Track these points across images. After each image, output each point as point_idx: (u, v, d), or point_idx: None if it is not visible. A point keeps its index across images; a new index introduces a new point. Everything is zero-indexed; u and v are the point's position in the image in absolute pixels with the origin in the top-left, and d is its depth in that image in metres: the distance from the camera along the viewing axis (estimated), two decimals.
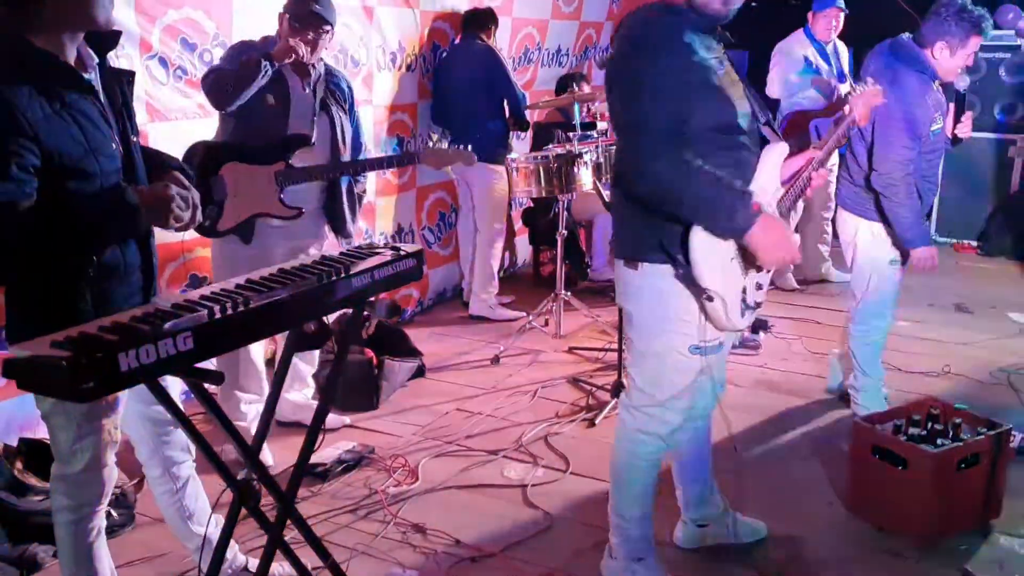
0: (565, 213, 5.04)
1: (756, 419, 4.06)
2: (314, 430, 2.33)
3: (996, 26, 2.22)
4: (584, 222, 6.11)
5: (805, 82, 5.66)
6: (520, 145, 6.17)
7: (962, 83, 3.86)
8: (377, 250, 2.41)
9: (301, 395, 3.91)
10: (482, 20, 5.25)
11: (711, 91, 2.34)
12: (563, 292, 5.03)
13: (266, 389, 3.73)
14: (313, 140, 3.45)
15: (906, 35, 3.61)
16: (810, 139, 5.23)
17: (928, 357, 4.81)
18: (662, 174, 2.27)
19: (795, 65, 5.69)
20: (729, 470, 3.43)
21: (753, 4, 7.37)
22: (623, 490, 2.72)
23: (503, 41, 5.83)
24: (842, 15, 5.64)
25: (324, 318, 2.33)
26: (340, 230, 3.66)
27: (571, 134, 4.92)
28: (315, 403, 3.91)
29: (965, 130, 3.78)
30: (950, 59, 3.49)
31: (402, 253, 2.38)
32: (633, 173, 2.36)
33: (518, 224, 6.44)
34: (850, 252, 3.87)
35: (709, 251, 2.36)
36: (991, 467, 3.11)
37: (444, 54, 5.35)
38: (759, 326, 5.09)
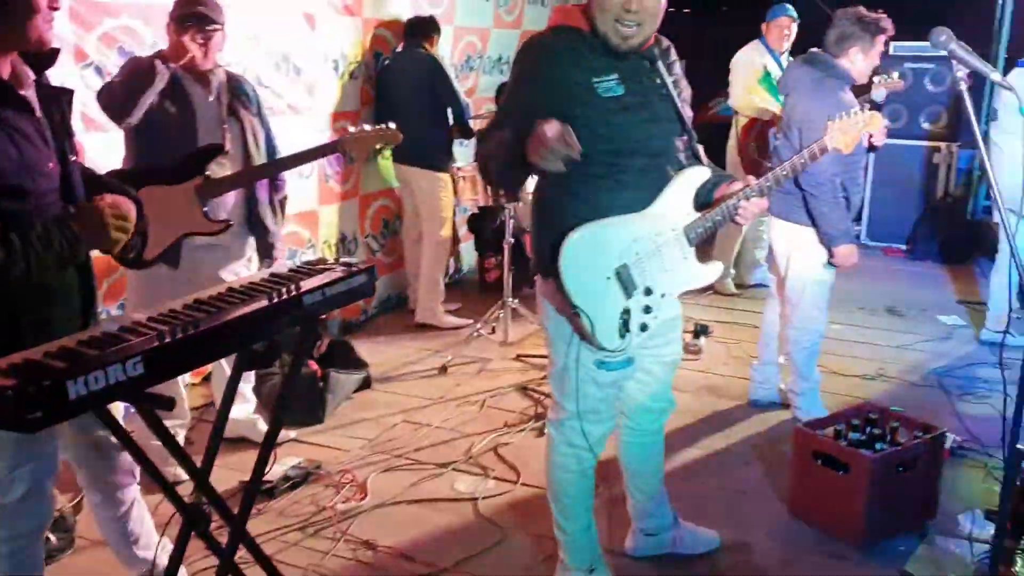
0: (511, 221, 5.05)
1: (700, 424, 4.13)
2: (267, 448, 2.31)
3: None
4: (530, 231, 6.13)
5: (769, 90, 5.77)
6: (462, 152, 6.17)
7: (878, 94, 4.00)
8: (328, 266, 2.39)
9: (242, 411, 3.84)
10: (425, 28, 5.23)
11: (592, 111, 2.36)
12: (510, 299, 5.04)
13: (187, 412, 3.69)
14: (227, 148, 3.34)
15: (815, 49, 3.82)
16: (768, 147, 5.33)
17: (863, 360, 4.95)
18: (478, 150, 2.45)
19: (755, 74, 5.79)
20: (676, 476, 3.49)
21: (686, 10, 7.49)
22: (561, 505, 2.74)
23: (445, 49, 5.82)
24: (794, 24, 5.74)
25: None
26: (265, 245, 3.56)
27: None
28: (256, 417, 3.86)
29: (880, 139, 3.90)
30: (864, 61, 3.72)
31: (354, 269, 2.36)
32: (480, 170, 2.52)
33: (463, 230, 6.43)
34: (783, 260, 3.96)
35: (580, 267, 2.35)
36: (927, 470, 3.21)
37: (387, 62, 5.32)
38: (700, 331, 5.17)
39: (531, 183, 4.63)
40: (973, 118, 2.40)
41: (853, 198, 3.80)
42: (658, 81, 2.48)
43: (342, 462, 3.70)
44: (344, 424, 4.11)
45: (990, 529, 3.17)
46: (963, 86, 2.26)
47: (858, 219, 7.93)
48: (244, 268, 3.53)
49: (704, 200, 2.53)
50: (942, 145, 7.48)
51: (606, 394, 2.59)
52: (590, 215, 2.38)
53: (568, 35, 2.43)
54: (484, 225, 6.12)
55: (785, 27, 5.74)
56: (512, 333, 5.17)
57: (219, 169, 3.29)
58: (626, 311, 2.43)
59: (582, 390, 2.54)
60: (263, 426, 3.81)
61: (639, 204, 2.44)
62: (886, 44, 6.24)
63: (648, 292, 2.45)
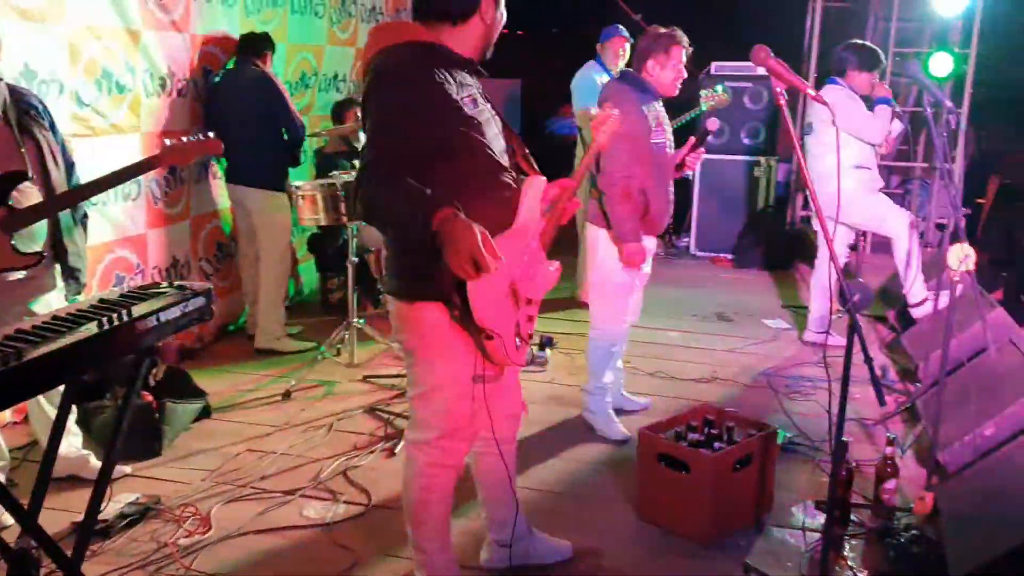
0: (355, 239, 4.98)
1: (547, 434, 4.20)
2: (100, 485, 2.18)
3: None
4: (374, 248, 6.07)
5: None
6: (299, 170, 6.07)
7: (712, 124, 4.22)
8: (161, 289, 2.29)
9: (70, 447, 3.60)
10: (258, 45, 5.10)
11: (462, 127, 2.36)
12: (355, 320, 4.97)
13: (6, 452, 3.46)
14: (30, 173, 3.09)
15: (629, 68, 4.06)
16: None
17: (697, 365, 5.17)
18: (380, 193, 2.25)
19: (594, 94, 5.92)
20: (527, 487, 3.53)
21: (519, 32, 7.65)
22: (422, 526, 2.70)
23: (279, 67, 5.71)
24: (627, 44, 5.91)
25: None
26: (69, 269, 3.32)
27: (356, 161, 4.89)
28: (87, 453, 3.64)
29: (691, 162, 4.09)
30: (663, 72, 3.92)
31: (189, 292, 2.27)
32: (362, 199, 2.30)
33: (302, 251, 6.29)
34: (594, 261, 4.11)
35: (486, 291, 2.36)
36: (762, 465, 3.39)
37: (217, 79, 5.16)
38: (545, 343, 5.27)
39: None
40: (793, 130, 2.56)
41: (655, 207, 3.94)
42: (484, 96, 2.52)
43: (183, 495, 3.53)
44: (183, 456, 3.93)
45: (821, 519, 3.38)
46: (782, 100, 2.40)
47: (688, 231, 8.32)
48: (57, 299, 3.30)
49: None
50: (761, 159, 7.95)
51: (479, 407, 2.57)
52: None
53: (430, 51, 2.39)
54: (325, 245, 6.01)
55: (619, 47, 5.94)
56: (358, 354, 5.09)
57: (21, 196, 3.04)
58: (517, 323, 2.49)
59: (456, 408, 2.54)
60: (95, 462, 3.60)
61: (506, 218, 2.47)
62: (707, 63, 6.66)
63: (528, 302, 2.53)
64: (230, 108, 5.03)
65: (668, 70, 3.93)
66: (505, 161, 2.51)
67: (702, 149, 4.09)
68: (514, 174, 2.55)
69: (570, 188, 2.67)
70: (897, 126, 5.30)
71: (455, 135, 2.34)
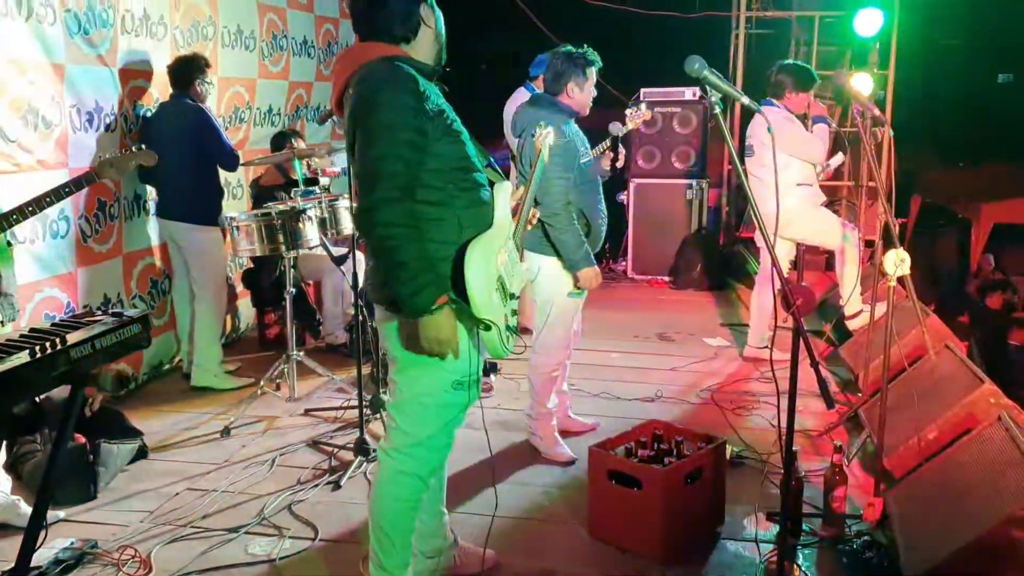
0: (292, 271, 4.89)
1: (495, 459, 4.13)
2: (33, 531, 2.07)
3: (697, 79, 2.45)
4: (312, 281, 5.99)
5: None
6: (235, 203, 5.97)
7: (616, 128, 4.30)
8: (95, 318, 2.20)
9: None
10: (186, 73, 4.97)
11: (449, 133, 2.51)
12: (295, 353, 4.86)
13: None
14: None
15: (541, 92, 4.10)
16: None
17: (641, 384, 5.19)
18: (393, 226, 2.38)
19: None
20: (475, 511, 3.48)
21: (446, 69, 7.70)
22: (386, 539, 2.71)
23: (211, 99, 5.63)
24: None
25: (37, 398, 2.09)
26: (3, 295, 3.21)
27: (294, 190, 4.82)
28: (16, 499, 3.47)
29: (609, 165, 4.18)
30: (581, 94, 3.98)
31: (125, 319, 2.19)
32: (365, 220, 2.42)
33: (239, 287, 6.16)
34: (534, 289, 4.11)
35: (481, 283, 2.49)
36: (713, 478, 3.39)
37: (148, 113, 5.05)
38: (489, 369, 5.23)
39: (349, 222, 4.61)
40: (729, 141, 2.59)
41: (595, 225, 3.98)
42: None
43: (121, 538, 3.39)
44: (120, 498, 3.78)
45: (773, 530, 3.39)
46: (717, 110, 2.43)
47: (624, 254, 8.39)
48: None
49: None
50: (693, 182, 8.08)
51: (454, 417, 2.68)
52: (454, 235, 2.52)
53: (405, 63, 2.52)
54: (261, 278, 5.89)
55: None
56: (299, 388, 4.98)
57: None
58: (505, 316, 2.62)
59: (431, 416, 2.65)
60: (26, 508, 3.42)
61: (486, 218, 2.61)
62: (635, 89, 6.76)
63: (512, 296, 2.67)
64: (161, 142, 4.91)
65: (586, 92, 3.99)
66: (480, 164, 2.65)
67: (620, 150, 4.17)
68: (486, 176, 2.69)
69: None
70: (837, 159, 5.47)
71: (440, 137, 2.48)
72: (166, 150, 4.85)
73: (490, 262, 2.55)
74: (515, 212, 2.87)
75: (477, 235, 2.54)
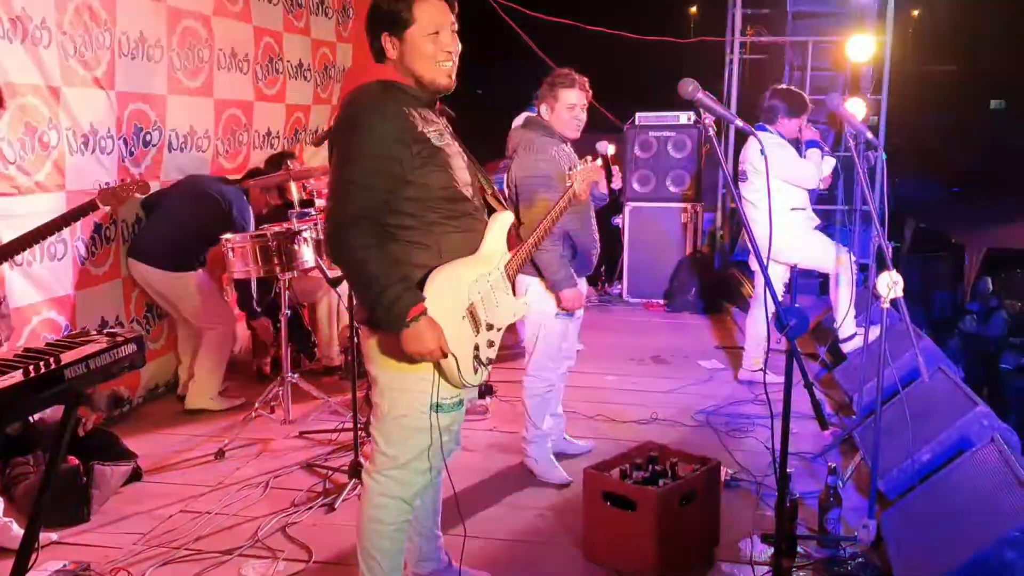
0: (287, 292, 4.89)
1: (491, 480, 4.15)
2: (24, 553, 2.06)
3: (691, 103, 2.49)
4: (307, 303, 5.98)
5: None
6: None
7: (603, 148, 4.33)
8: (90, 337, 2.21)
9: None
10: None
11: (434, 161, 2.52)
12: (290, 375, 4.86)
13: None
14: None
15: (533, 115, 4.11)
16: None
17: (636, 407, 5.18)
18: (359, 248, 2.42)
19: None
20: (470, 532, 3.47)
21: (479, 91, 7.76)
22: (376, 562, 2.70)
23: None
24: None
25: (31, 418, 2.09)
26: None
27: (290, 211, 4.84)
28: (8, 521, 3.46)
29: (614, 183, 4.22)
30: (553, 115, 4.00)
31: (119, 339, 2.19)
32: (334, 240, 2.47)
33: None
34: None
35: (441, 309, 2.49)
36: (708, 500, 3.39)
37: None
38: (485, 391, 5.23)
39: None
40: (723, 164, 2.62)
41: (585, 244, 4.01)
42: (451, 134, 2.68)
43: (114, 560, 3.37)
44: (113, 520, 3.77)
45: (768, 552, 3.38)
46: (711, 132, 2.45)
47: (620, 277, 8.41)
48: None
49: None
50: (687, 206, 8.11)
51: (437, 441, 2.64)
52: (434, 261, 2.54)
53: (389, 86, 2.55)
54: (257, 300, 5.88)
55: None
56: (294, 411, 4.97)
57: None
58: (476, 346, 2.60)
59: (410, 438, 2.62)
60: (18, 530, 3.41)
61: (471, 247, 2.63)
62: (631, 114, 6.80)
63: (489, 327, 2.65)
64: (185, 196, 5.03)
65: (561, 112, 3.97)
66: (470, 193, 2.64)
67: (615, 169, 4.20)
68: (478, 204, 2.70)
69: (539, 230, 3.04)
70: (830, 163, 5.50)
71: (422, 165, 2.49)
72: (183, 204, 4.98)
73: (458, 288, 2.56)
74: (523, 243, 2.89)
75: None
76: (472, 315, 2.59)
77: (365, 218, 2.43)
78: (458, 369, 2.54)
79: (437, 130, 2.57)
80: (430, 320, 2.45)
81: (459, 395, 2.66)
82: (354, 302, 2.72)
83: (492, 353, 2.69)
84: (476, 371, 2.61)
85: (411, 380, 2.57)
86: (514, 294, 2.81)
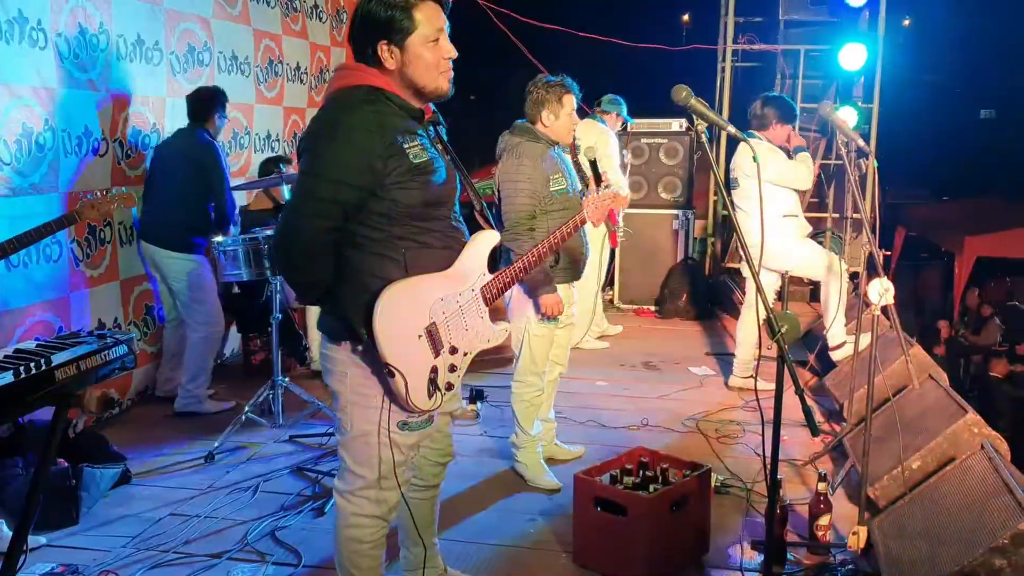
0: (279, 295, 4.88)
1: (482, 486, 4.15)
2: (13, 556, 2.05)
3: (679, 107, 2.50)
4: (299, 307, 5.97)
5: None
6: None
7: (590, 154, 4.34)
8: (81, 339, 2.20)
9: None
10: (207, 106, 5.00)
11: (405, 177, 2.36)
12: (280, 379, 4.85)
13: None
14: None
15: (520, 120, 4.09)
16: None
17: (627, 412, 5.19)
18: (309, 254, 2.33)
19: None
20: (461, 538, 3.47)
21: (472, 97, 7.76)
22: None
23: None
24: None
25: (20, 420, 2.08)
26: None
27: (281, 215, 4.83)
28: None
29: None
30: (557, 122, 3.99)
31: (110, 340, 2.19)
32: (285, 234, 2.36)
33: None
34: (509, 315, 4.12)
35: (393, 325, 2.35)
36: (698, 506, 3.39)
37: (148, 139, 5.11)
38: (476, 396, 5.23)
39: None
40: (715, 169, 2.62)
41: (573, 249, 4.00)
42: (442, 146, 2.55)
43: (103, 563, 3.36)
44: (102, 523, 3.75)
45: (758, 559, 3.39)
46: (704, 139, 2.46)
47: (611, 284, 8.42)
48: None
49: (495, 262, 2.64)
50: (679, 212, 8.13)
51: (406, 457, 2.54)
52: (397, 275, 2.38)
53: (375, 96, 2.39)
54: (247, 303, 5.88)
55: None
56: (284, 415, 4.95)
57: None
58: (434, 369, 2.43)
59: (382, 455, 2.48)
60: (7, 532, 3.38)
61: (442, 264, 2.49)
62: (623, 122, 6.84)
63: (453, 351, 2.49)
64: (163, 168, 4.97)
65: (563, 120, 3.99)
66: (449, 209, 2.52)
67: (604, 176, 4.22)
68: (457, 219, 2.58)
69: (532, 254, 2.86)
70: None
71: (395, 181, 2.34)
72: (166, 176, 4.91)
73: (417, 305, 2.41)
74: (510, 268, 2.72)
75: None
76: (431, 335, 2.43)
77: (319, 226, 2.31)
78: (406, 391, 2.37)
79: (420, 144, 2.41)
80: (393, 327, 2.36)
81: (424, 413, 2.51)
82: (305, 319, 2.61)
83: (454, 379, 2.51)
84: (431, 396, 2.43)
85: (376, 396, 2.45)
86: (491, 319, 2.63)
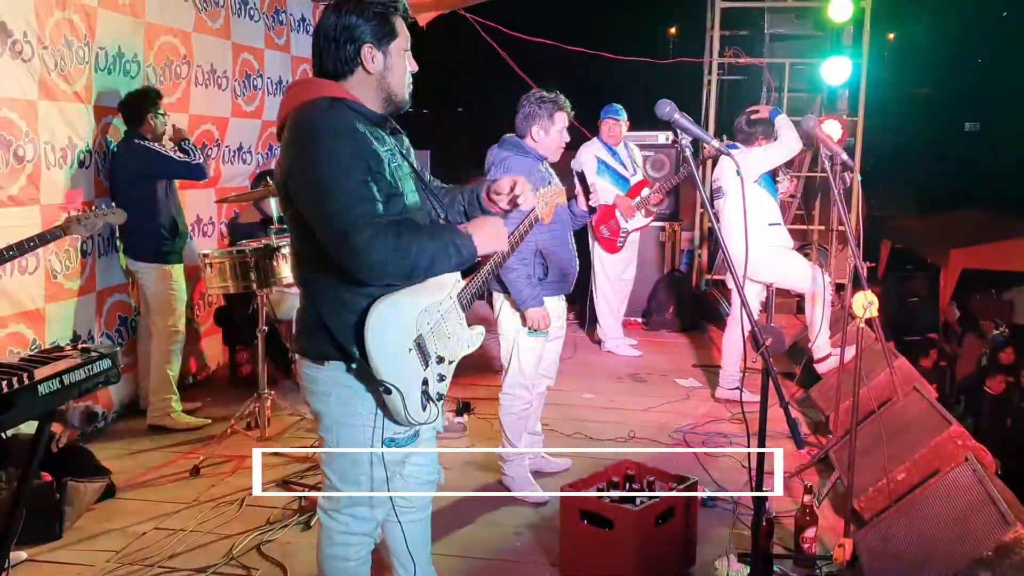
0: (264, 308, 4.87)
1: (468, 499, 4.12)
2: None
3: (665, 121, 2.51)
4: (285, 319, 5.95)
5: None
6: (208, 241, 5.97)
7: (577, 165, 4.35)
8: (64, 353, 2.19)
9: None
10: (137, 109, 4.94)
11: (384, 180, 2.35)
12: (266, 391, 4.83)
13: None
14: None
15: (509, 134, 4.10)
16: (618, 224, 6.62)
17: (614, 425, 5.19)
18: (389, 262, 2.23)
19: (591, 167, 6.58)
20: (448, 552, 3.46)
21: (424, 111, 7.79)
22: None
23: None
24: (618, 124, 6.70)
25: (3, 434, 2.07)
26: None
27: (270, 227, 4.83)
28: None
29: (592, 200, 4.23)
30: (547, 138, 4.00)
31: (93, 354, 2.18)
32: (346, 259, 2.25)
33: (207, 324, 6.12)
34: (499, 328, 4.13)
35: (386, 341, 2.33)
36: (684, 518, 3.39)
37: (115, 150, 5.06)
38: (463, 409, 5.22)
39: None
40: (699, 184, 2.64)
41: (561, 262, 4.02)
42: (405, 152, 2.53)
43: None
44: (86, 537, 3.73)
45: (745, 571, 3.39)
46: (687, 152, 2.47)
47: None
48: None
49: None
50: (666, 225, 8.15)
51: (392, 473, 2.51)
52: (380, 290, 2.35)
53: (337, 105, 2.35)
54: (234, 316, 5.86)
55: (607, 127, 6.65)
56: (270, 427, 4.94)
57: None
58: (425, 381, 2.42)
59: (366, 473, 2.47)
60: None
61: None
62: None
63: (440, 360, 2.48)
64: (118, 179, 4.97)
65: (554, 136, 4.00)
66: (420, 217, 2.49)
67: (592, 187, 4.22)
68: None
69: (496, 255, 2.86)
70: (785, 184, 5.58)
71: (379, 188, 2.32)
72: (122, 187, 4.93)
73: (404, 318, 2.39)
74: (476, 271, 2.77)
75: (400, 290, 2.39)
76: (420, 347, 2.41)
77: (376, 234, 2.21)
78: (404, 405, 2.35)
79: (388, 150, 2.39)
80: (483, 220, 2.45)
81: (415, 425, 2.47)
82: (298, 328, 2.52)
83: (443, 388, 2.50)
84: (424, 408, 2.41)
85: (361, 414, 2.42)
86: (468, 324, 2.63)
